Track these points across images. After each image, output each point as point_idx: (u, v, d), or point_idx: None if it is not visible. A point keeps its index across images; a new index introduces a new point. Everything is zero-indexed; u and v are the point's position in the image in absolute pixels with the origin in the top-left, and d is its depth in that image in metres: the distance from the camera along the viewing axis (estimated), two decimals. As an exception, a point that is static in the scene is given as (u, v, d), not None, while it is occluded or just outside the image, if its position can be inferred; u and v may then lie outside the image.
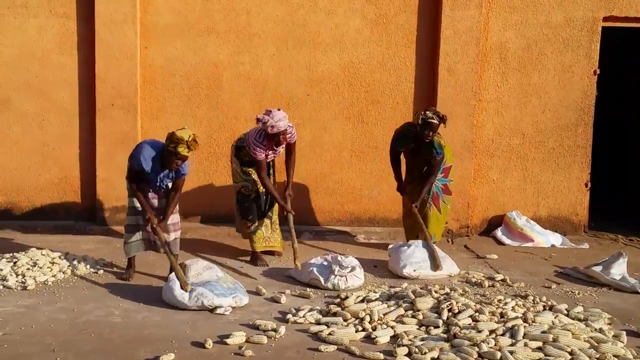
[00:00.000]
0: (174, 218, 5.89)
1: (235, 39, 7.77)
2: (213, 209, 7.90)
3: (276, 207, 6.62)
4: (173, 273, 5.32)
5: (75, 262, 6.12)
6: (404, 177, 7.01)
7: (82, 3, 7.59)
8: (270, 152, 6.33)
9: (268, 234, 6.57)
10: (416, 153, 6.74)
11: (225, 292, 5.11)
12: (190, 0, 7.68)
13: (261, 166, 6.28)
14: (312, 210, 7.99)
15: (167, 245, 5.61)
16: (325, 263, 5.85)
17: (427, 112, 6.42)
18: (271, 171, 6.62)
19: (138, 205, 5.74)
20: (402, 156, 6.94)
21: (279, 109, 6.17)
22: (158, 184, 5.70)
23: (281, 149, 6.44)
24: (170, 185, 5.80)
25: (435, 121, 6.38)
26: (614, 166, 10.40)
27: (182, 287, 5.11)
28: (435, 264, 6.14)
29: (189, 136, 5.38)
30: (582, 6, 7.89)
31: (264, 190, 6.47)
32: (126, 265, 6.00)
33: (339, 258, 5.83)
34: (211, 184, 7.92)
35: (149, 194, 5.78)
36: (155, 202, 5.82)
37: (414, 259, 6.19)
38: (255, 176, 6.44)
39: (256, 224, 6.47)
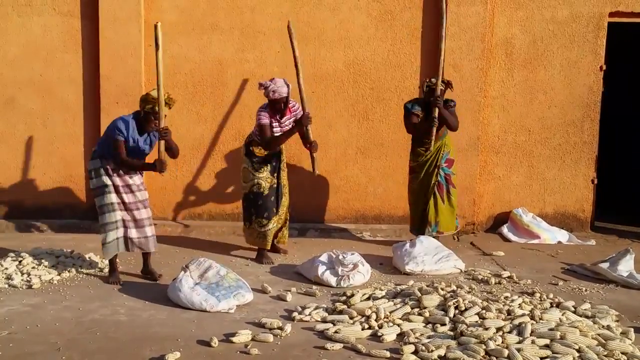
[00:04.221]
0: (148, 212, 5.78)
1: (240, 36, 7.75)
2: (218, 207, 7.90)
3: (285, 203, 6.60)
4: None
5: (80, 261, 6.12)
6: (410, 163, 7.05)
7: (87, 1, 7.59)
8: (275, 122, 6.32)
9: (277, 230, 6.59)
10: (428, 116, 6.72)
11: (227, 292, 5.09)
12: (194, -2, 7.68)
13: (266, 129, 6.27)
14: (317, 208, 7.97)
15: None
16: (329, 260, 5.84)
17: (432, 79, 6.65)
18: (281, 165, 6.57)
19: (111, 201, 5.57)
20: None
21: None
22: (141, 149, 5.62)
23: (286, 125, 6.39)
24: (149, 151, 5.72)
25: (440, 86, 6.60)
26: (622, 162, 10.36)
27: None
28: None
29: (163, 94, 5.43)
30: (588, 2, 7.84)
31: (274, 186, 6.46)
32: (109, 270, 5.77)
33: (340, 257, 5.81)
34: (216, 182, 7.91)
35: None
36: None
37: (417, 255, 6.19)
38: (265, 173, 6.42)
39: (272, 221, 6.44)
